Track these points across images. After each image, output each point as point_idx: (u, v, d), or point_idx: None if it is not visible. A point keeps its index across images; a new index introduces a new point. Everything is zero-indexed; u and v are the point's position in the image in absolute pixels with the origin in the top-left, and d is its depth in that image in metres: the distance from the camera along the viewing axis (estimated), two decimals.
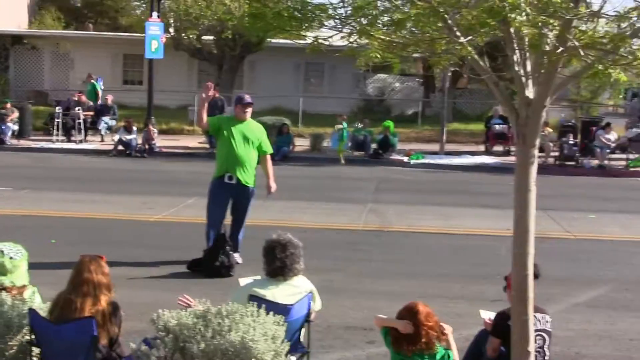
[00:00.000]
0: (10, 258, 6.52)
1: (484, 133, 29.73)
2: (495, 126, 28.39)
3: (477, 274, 11.70)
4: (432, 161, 26.23)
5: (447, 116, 29.68)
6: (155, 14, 28.87)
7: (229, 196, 11.59)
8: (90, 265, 6.00)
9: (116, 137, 27.12)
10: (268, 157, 11.93)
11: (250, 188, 11.67)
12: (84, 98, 30.52)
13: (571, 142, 26.43)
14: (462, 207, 17.79)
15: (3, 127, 28.06)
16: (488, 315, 7.17)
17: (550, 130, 27.09)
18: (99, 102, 30.66)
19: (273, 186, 11.90)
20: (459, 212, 16.98)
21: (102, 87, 31.98)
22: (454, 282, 11.32)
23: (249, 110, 11.71)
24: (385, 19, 5.46)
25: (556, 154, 26.46)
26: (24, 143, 28.39)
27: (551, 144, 26.43)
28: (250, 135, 11.61)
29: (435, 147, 28.55)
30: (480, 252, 13.30)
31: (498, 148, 28.37)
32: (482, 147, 29.29)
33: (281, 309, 6.28)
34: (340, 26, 5.65)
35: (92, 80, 31.66)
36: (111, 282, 6.13)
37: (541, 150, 25.89)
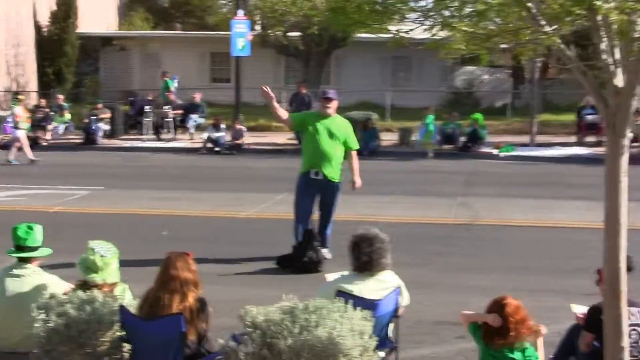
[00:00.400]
0: (101, 256, 6.66)
1: (575, 124, 29.17)
2: (587, 116, 27.73)
3: (570, 268, 11.52)
4: (522, 153, 25.88)
5: (537, 107, 29.23)
6: (241, 12, 29.12)
7: (315, 192, 11.63)
8: (177, 262, 6.10)
9: (205, 135, 27.46)
10: (354, 152, 11.91)
11: (337, 183, 11.68)
12: (172, 96, 30.95)
13: None
14: (554, 199, 17.54)
15: (94, 127, 28.66)
16: (580, 309, 7.06)
17: None
18: (172, 99, 30.94)
19: (358, 181, 11.88)
20: (550, 205, 16.74)
21: (176, 85, 32.27)
22: (546, 275, 11.17)
23: (330, 105, 11.68)
24: (468, 10, 5.40)
25: None
26: (114, 142, 28.97)
27: None
28: (336, 131, 11.61)
29: (525, 139, 28.15)
30: (573, 245, 13.10)
31: (590, 139, 27.69)
32: (573, 138, 28.73)
33: (368, 304, 6.28)
34: (422, 19, 5.60)
35: (166, 78, 32.05)
36: (199, 279, 6.22)
37: (635, 140, 25.35)
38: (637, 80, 5.38)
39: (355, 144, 11.96)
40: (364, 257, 6.62)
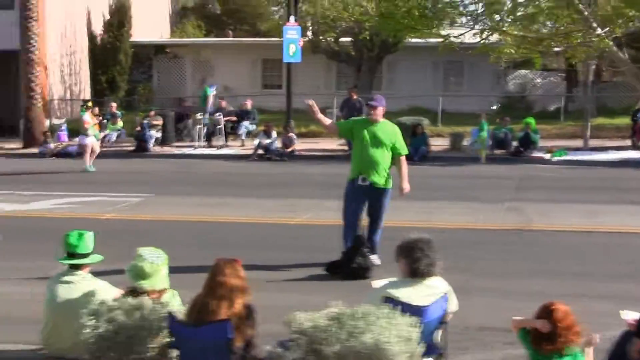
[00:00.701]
0: (150, 262, 6.69)
1: (630, 127, 28.79)
2: None
3: (622, 273, 11.36)
4: (575, 157, 25.59)
5: (591, 111, 28.91)
6: (292, 18, 29.18)
7: (364, 198, 11.57)
8: (225, 269, 6.10)
9: (256, 142, 27.56)
10: (402, 158, 11.80)
11: (385, 189, 11.62)
12: (224, 103, 31.16)
13: None
14: (608, 204, 17.30)
15: (146, 134, 28.94)
16: (631, 315, 6.93)
17: None
18: (209, 107, 31.20)
19: (406, 187, 11.77)
20: (604, 209, 16.52)
21: (215, 93, 32.51)
22: (597, 281, 11.01)
23: (375, 112, 11.59)
24: (519, 13, 5.35)
25: None
26: (166, 150, 29.21)
27: None
28: (383, 137, 11.53)
29: (578, 142, 27.85)
30: (626, 250, 12.92)
31: None
32: (628, 142, 28.36)
33: (416, 311, 6.24)
34: (472, 23, 5.56)
35: (206, 85, 32.34)
36: (247, 285, 6.22)
37: None
38: None
39: (404, 149, 11.86)
40: (414, 262, 6.57)
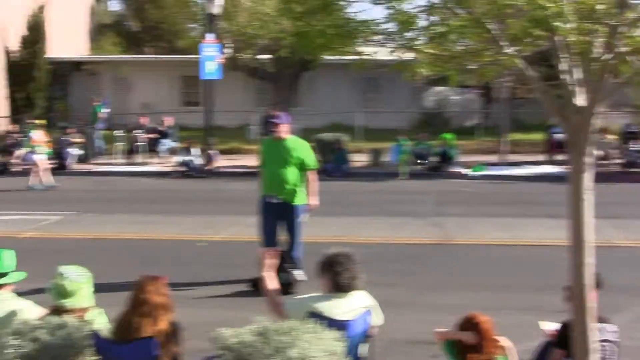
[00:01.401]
0: (71, 280, 6.68)
1: (545, 142, 29.43)
2: (555, 135, 27.91)
3: (540, 285, 11.63)
4: (492, 172, 26.07)
5: (506, 126, 29.48)
6: (210, 35, 29.17)
7: (276, 215, 11.66)
8: (148, 286, 6.13)
9: (177, 159, 27.50)
10: (310, 172, 11.82)
11: (296, 205, 11.67)
12: (144, 120, 31.02)
13: (635, 148, 26.06)
14: (525, 217, 17.68)
15: (65, 152, 28.61)
16: (549, 326, 7.15)
17: (612, 136, 26.75)
18: (98, 125, 31.76)
19: (313, 202, 11.85)
20: (521, 223, 16.88)
21: (104, 111, 32.62)
22: (517, 293, 11.28)
23: (278, 129, 11.65)
24: (429, 32, 5.51)
25: (621, 161, 26.10)
26: (86, 167, 28.91)
27: (613, 151, 26.08)
28: (290, 153, 11.59)
29: (495, 158, 28.38)
30: (543, 262, 13.23)
31: (560, 157, 27.86)
32: (543, 157, 29.00)
33: (340, 325, 6.33)
34: (385, 41, 5.70)
35: (96, 103, 32.44)
36: (171, 302, 6.25)
37: (603, 158, 25.63)
38: (598, 100, 5.50)
39: (312, 163, 11.89)
40: (336, 277, 6.65)
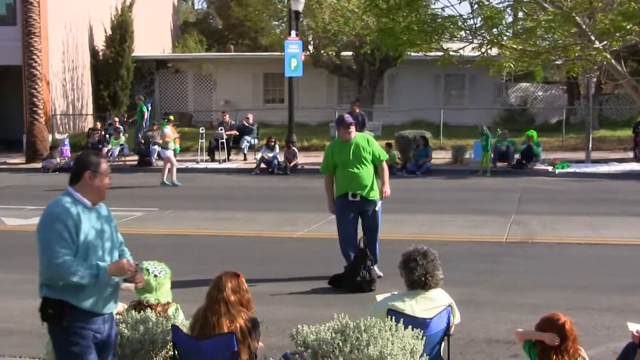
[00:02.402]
0: (155, 276, 6.76)
1: (632, 139, 28.82)
2: None
3: (626, 285, 11.37)
4: (578, 170, 25.62)
5: (592, 123, 28.96)
6: (293, 33, 29.25)
7: (355, 213, 11.69)
8: (227, 283, 6.13)
9: (259, 156, 27.64)
10: (383, 164, 11.93)
11: (374, 200, 11.71)
12: (227, 117, 31.27)
13: None
14: (611, 216, 17.33)
15: (150, 148, 29.01)
16: (636, 327, 6.96)
17: None
18: (145, 122, 31.91)
19: (387, 191, 11.80)
20: (607, 222, 16.54)
21: (149, 109, 32.87)
22: (601, 293, 11.03)
23: (352, 130, 11.76)
24: (516, 27, 5.41)
25: None
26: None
27: None
28: (361, 152, 11.66)
29: (581, 155, 27.89)
30: (628, 262, 12.94)
31: None
32: (630, 154, 28.41)
33: (420, 323, 6.27)
34: (470, 37, 5.62)
35: (141, 102, 32.68)
36: (250, 299, 6.25)
37: None
38: None
39: (383, 155, 12.00)
40: (418, 271, 6.60)
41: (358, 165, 11.60)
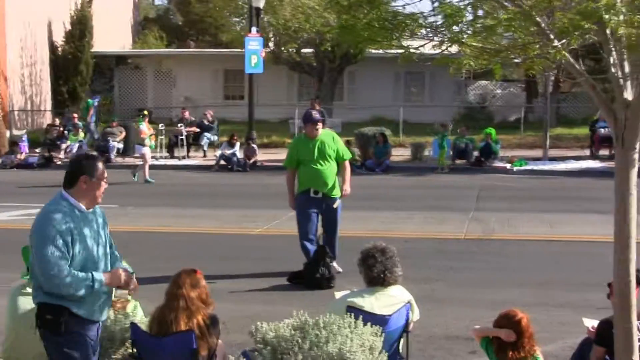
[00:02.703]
0: None
1: (589, 137, 29.09)
2: (600, 130, 27.62)
3: (581, 281, 11.47)
4: (535, 167, 25.81)
5: (550, 121, 29.18)
6: (254, 29, 29.17)
7: (316, 209, 11.70)
8: (186, 280, 6.10)
9: (218, 153, 27.55)
10: (346, 163, 12.03)
11: (335, 198, 11.75)
12: (187, 114, 31.14)
13: None
14: (567, 213, 17.47)
15: (108, 145, 28.81)
16: (592, 323, 7.03)
17: None
18: (90, 118, 31.93)
19: (347, 189, 11.92)
20: (563, 219, 16.68)
21: (96, 105, 32.71)
22: (557, 289, 11.12)
23: (319, 127, 11.82)
24: (477, 25, 5.40)
25: None
26: (128, 160, 29.06)
27: None
28: (326, 149, 11.72)
29: (538, 153, 28.10)
30: (585, 258, 13.04)
31: (604, 152, 27.56)
32: (587, 152, 28.67)
33: (379, 320, 6.28)
34: (431, 35, 5.61)
35: (88, 98, 32.66)
36: (208, 296, 6.21)
37: None
38: None
39: (347, 154, 12.09)
40: (376, 268, 6.62)
41: (322, 162, 11.63)
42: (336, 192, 11.73)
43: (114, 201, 19.40)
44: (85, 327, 5.64)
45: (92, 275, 5.57)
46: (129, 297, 6.69)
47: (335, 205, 11.70)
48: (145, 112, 26.10)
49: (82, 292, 5.50)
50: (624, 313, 5.65)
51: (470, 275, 12.11)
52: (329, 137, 11.94)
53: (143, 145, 24.38)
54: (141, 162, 24.24)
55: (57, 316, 5.54)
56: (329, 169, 11.67)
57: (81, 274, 5.52)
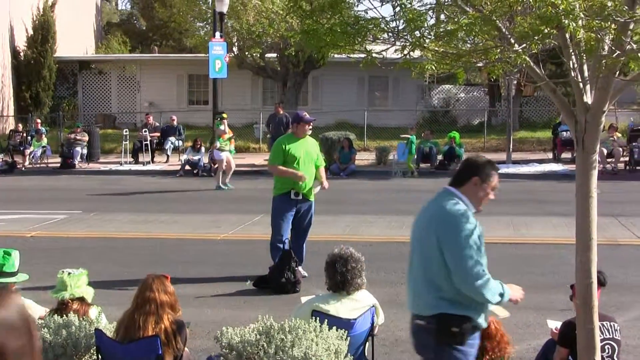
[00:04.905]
0: (69, 273, 6.70)
1: (551, 140, 29.34)
2: (562, 133, 27.86)
3: (545, 283, 11.56)
4: (499, 171, 25.92)
5: (513, 124, 29.39)
6: (218, 34, 29.14)
7: (293, 212, 11.72)
8: (153, 285, 6.09)
9: (183, 157, 27.46)
10: (322, 168, 12.30)
11: (312, 202, 11.92)
12: (151, 119, 31.02)
13: None
14: (530, 215, 17.59)
15: (72, 151, 28.62)
16: (555, 324, 7.09)
17: (619, 135, 26.63)
18: None
19: (325, 184, 12.25)
20: (528, 221, 16.79)
21: None
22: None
23: (311, 128, 12.02)
24: (438, 30, 5.45)
25: (626, 159, 25.98)
26: (92, 166, 28.91)
27: (621, 149, 25.95)
28: (312, 152, 11.94)
29: (502, 156, 28.28)
30: (548, 260, 13.14)
31: (567, 155, 27.80)
32: (550, 155, 28.92)
33: (344, 324, 6.29)
34: (393, 39, 5.65)
35: None
36: (176, 301, 6.20)
37: (610, 155, 25.55)
38: (606, 97, 5.43)
39: (323, 162, 12.46)
40: (339, 276, 6.64)
41: (306, 164, 11.77)
42: (312, 197, 11.88)
43: (77, 207, 19.32)
44: (475, 337, 5.36)
45: (501, 283, 5.34)
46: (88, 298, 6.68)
47: (316, 190, 11.94)
48: (225, 115, 24.58)
49: (495, 299, 5.24)
50: (586, 314, 5.71)
51: None
52: (313, 141, 12.21)
53: (222, 150, 23.77)
54: (224, 168, 23.58)
55: (462, 328, 5.21)
56: (311, 171, 11.83)
57: (494, 280, 5.25)
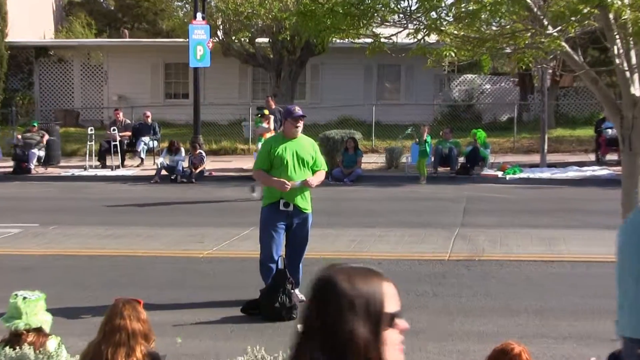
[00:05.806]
0: (24, 298, 6.69)
1: (594, 140, 29.27)
2: (607, 130, 27.75)
3: (587, 309, 11.55)
4: (531, 175, 25.94)
5: (548, 121, 29.36)
6: (200, 15, 29.12)
7: (284, 226, 11.66)
8: (124, 311, 6.09)
9: (159, 161, 27.44)
10: (322, 172, 12.04)
11: (309, 214, 11.80)
12: (120, 116, 30.88)
13: None
14: (569, 229, 17.59)
15: (27, 153, 28.50)
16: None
17: None
18: None
19: (312, 181, 11.74)
20: (565, 235, 16.77)
21: None
22: (559, 318, 11.18)
23: (301, 125, 11.77)
24: (458, 10, 5.45)
25: None
26: (51, 171, 28.89)
27: None
28: (305, 155, 11.73)
29: (535, 158, 28.26)
30: (592, 282, 13.13)
31: (612, 157, 27.73)
32: (592, 157, 28.88)
33: None
34: (405, 22, 5.65)
35: None
36: (150, 330, 6.21)
37: None
38: None
39: (324, 165, 12.16)
40: None
41: (297, 169, 11.62)
42: (308, 207, 11.75)
43: (34, 219, 19.33)
44: None
45: None
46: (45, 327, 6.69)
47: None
48: (266, 112, 23.94)
49: None
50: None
51: (455, 302, 12.15)
52: (308, 142, 12.01)
53: None
54: None
55: None
56: (305, 177, 11.63)
57: None
